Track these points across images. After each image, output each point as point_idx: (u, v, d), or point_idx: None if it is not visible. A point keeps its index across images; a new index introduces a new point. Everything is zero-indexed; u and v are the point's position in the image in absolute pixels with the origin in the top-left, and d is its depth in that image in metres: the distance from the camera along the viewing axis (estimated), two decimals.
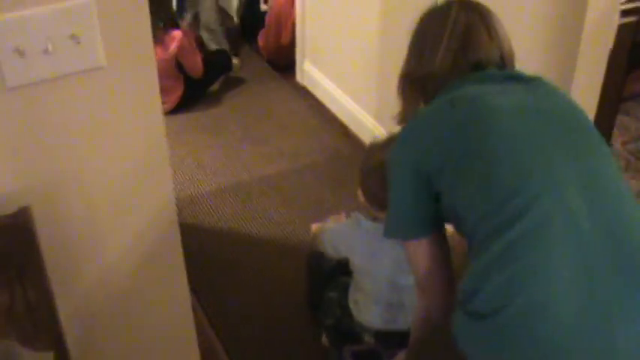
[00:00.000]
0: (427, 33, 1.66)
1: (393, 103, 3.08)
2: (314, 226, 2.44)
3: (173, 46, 3.68)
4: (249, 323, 2.60)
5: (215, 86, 4.13)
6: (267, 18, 4.20)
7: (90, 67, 1.42)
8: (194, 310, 2.55)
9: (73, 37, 1.37)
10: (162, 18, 3.65)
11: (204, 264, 2.85)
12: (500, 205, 1.38)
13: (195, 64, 3.86)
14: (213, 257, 2.90)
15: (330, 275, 2.37)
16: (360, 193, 2.04)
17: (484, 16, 1.62)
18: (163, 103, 3.68)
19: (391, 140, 1.70)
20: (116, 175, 1.59)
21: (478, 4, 1.65)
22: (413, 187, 1.54)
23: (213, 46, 4.15)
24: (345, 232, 2.15)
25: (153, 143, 1.59)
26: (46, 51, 1.35)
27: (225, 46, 4.21)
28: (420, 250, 1.60)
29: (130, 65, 1.46)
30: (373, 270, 2.08)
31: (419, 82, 1.66)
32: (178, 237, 1.79)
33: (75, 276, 1.67)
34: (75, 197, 1.57)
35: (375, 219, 2.03)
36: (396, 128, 1.69)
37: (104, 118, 1.50)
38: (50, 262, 1.50)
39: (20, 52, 1.34)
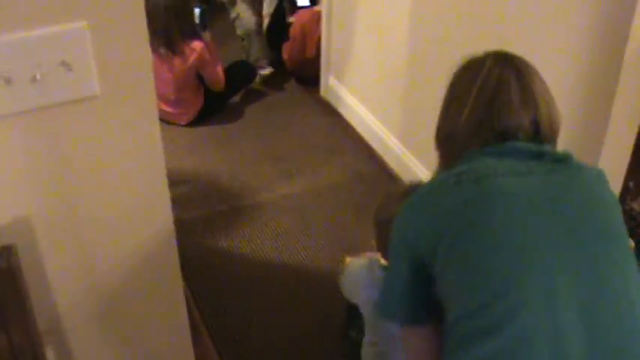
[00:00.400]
0: (456, 89, 1.47)
1: (418, 126, 2.96)
2: (348, 259, 2.29)
3: (193, 58, 3.58)
4: (258, 348, 2.48)
5: (236, 98, 4.03)
6: (291, 31, 4.09)
7: (82, 97, 1.31)
8: (201, 334, 2.46)
9: (63, 64, 1.26)
10: (183, 28, 3.54)
11: (216, 285, 2.74)
12: (482, 307, 1.22)
13: (216, 76, 3.75)
14: (224, 278, 2.79)
15: (356, 313, 2.22)
16: (374, 241, 1.90)
17: (521, 74, 1.41)
18: (180, 115, 3.68)
19: (408, 193, 1.54)
20: (111, 211, 1.48)
21: (516, 59, 1.45)
22: (408, 266, 1.38)
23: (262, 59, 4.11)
24: (357, 278, 2.01)
25: (152, 176, 1.48)
26: (34, 79, 1.24)
27: (265, 55, 4.15)
28: (415, 338, 1.44)
29: (126, 94, 1.35)
30: (375, 322, 1.93)
31: (444, 142, 1.49)
32: (178, 272, 1.69)
33: (64, 308, 1.57)
34: (65, 233, 1.46)
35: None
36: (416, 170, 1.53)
37: (98, 151, 1.39)
38: (38, 295, 1.41)
39: (6, 80, 1.23)
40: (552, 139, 1.43)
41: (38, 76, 1.24)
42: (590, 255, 1.25)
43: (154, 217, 1.56)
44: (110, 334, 1.68)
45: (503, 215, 1.26)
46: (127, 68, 1.31)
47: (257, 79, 4.13)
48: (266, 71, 4.14)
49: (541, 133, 1.40)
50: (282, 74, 4.24)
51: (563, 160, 1.36)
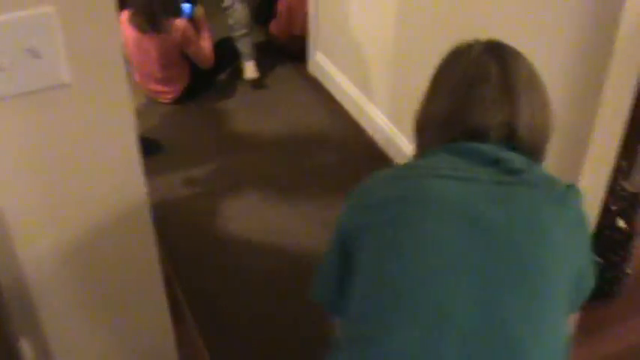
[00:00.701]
0: (437, 77, 1.37)
1: (406, 104, 2.90)
2: None
3: (176, 35, 3.51)
4: (239, 330, 2.45)
5: (224, 75, 3.97)
6: (278, 6, 4.01)
7: (52, 85, 1.24)
8: (184, 317, 2.43)
9: (31, 51, 1.19)
10: (166, 6, 3.46)
11: (199, 265, 2.72)
12: (368, 314, 1.14)
13: (201, 54, 3.68)
14: (207, 260, 2.76)
15: None
16: None
17: (506, 69, 1.27)
18: (167, 92, 3.62)
19: None
20: (86, 204, 1.43)
21: (507, 51, 1.32)
22: (338, 254, 1.29)
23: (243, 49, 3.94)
24: None
25: (126, 167, 1.43)
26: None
27: (252, 51, 3.98)
28: (335, 326, 1.34)
29: (99, 82, 1.28)
30: None
31: (418, 133, 1.39)
32: (155, 254, 1.63)
33: (37, 292, 1.52)
34: (37, 223, 1.40)
35: None
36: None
37: (70, 141, 1.33)
38: None
39: None
40: (533, 146, 1.30)
41: (4, 65, 1.18)
42: (498, 289, 1.11)
43: (130, 203, 1.50)
44: (85, 317, 1.64)
45: (420, 223, 1.16)
46: (99, 54, 1.25)
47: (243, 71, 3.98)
48: (252, 75, 3.93)
49: (517, 137, 1.27)
50: (269, 50, 4.17)
51: (519, 171, 1.22)
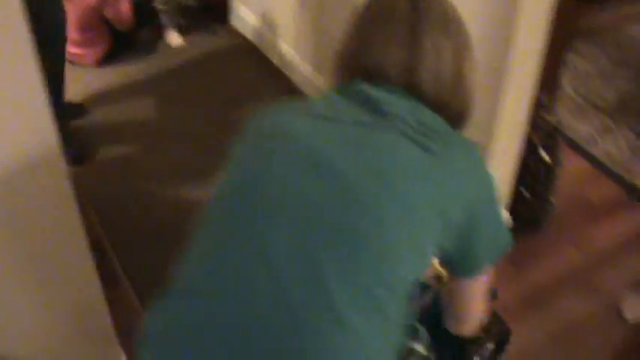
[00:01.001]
0: (354, 16, 1.29)
1: (330, 50, 2.89)
2: None
3: None
4: None
5: (148, 34, 3.88)
6: None
7: None
8: (117, 277, 2.40)
9: None
10: None
11: (132, 228, 2.69)
12: (195, 248, 1.18)
13: (119, 15, 3.60)
14: (141, 222, 2.73)
15: None
16: None
17: (417, 9, 1.18)
18: (87, 55, 3.53)
19: None
20: None
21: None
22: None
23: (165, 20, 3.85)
24: None
25: (37, 125, 1.39)
26: None
27: (174, 21, 3.89)
28: None
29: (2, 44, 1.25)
30: None
31: (332, 71, 1.32)
32: (77, 220, 1.61)
33: None
34: None
35: None
36: None
37: None
38: None
39: None
40: (439, 98, 1.20)
41: None
42: (324, 233, 1.05)
43: (43, 157, 1.46)
44: (8, 274, 1.61)
45: (266, 161, 1.13)
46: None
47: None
48: (177, 42, 3.87)
49: (419, 85, 1.18)
50: (191, 7, 4.09)
51: (392, 116, 1.13)
